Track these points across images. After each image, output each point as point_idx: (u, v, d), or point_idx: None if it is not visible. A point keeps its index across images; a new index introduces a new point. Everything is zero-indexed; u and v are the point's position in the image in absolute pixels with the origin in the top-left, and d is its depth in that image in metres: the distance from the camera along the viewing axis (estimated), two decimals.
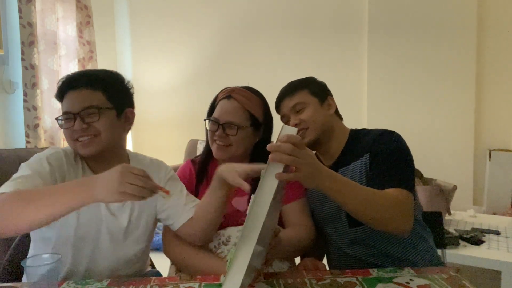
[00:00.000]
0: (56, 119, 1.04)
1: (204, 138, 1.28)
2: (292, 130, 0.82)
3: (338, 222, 1.15)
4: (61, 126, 1.04)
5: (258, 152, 1.25)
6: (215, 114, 1.20)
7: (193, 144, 3.79)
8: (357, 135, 1.19)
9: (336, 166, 1.15)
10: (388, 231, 0.99)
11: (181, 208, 1.10)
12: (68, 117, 1.01)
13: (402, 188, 0.98)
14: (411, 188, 1.00)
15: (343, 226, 1.14)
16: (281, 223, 1.24)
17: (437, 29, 3.18)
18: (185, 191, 1.16)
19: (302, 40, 3.64)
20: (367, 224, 0.98)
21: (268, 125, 1.26)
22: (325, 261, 1.27)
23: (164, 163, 1.24)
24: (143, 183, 0.79)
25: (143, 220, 1.11)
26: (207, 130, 1.23)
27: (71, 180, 0.99)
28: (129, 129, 1.15)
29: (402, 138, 1.10)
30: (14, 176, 0.94)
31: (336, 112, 1.24)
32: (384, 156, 1.05)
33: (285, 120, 1.20)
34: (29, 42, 3.03)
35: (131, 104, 1.16)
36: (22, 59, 3.00)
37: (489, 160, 3.05)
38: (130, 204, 1.08)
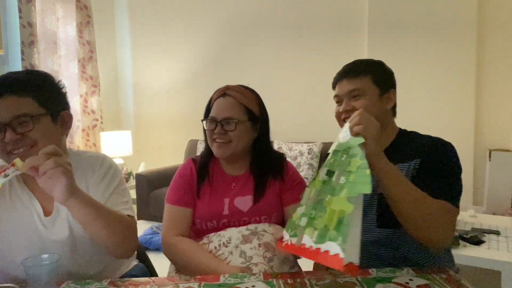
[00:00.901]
0: None
1: (203, 136, 1.28)
2: None
3: (366, 218, 1.09)
4: None
5: (258, 148, 1.26)
6: (212, 113, 1.20)
7: (193, 144, 3.80)
8: (406, 135, 1.14)
9: None
10: (425, 241, 0.95)
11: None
12: None
13: (450, 203, 0.95)
14: (458, 205, 0.98)
15: (370, 224, 1.11)
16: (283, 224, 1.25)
17: (437, 30, 3.18)
18: (111, 191, 1.06)
19: (302, 41, 3.64)
20: (406, 227, 0.94)
21: (265, 121, 1.26)
22: None
23: (106, 159, 1.12)
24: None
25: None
26: (205, 131, 1.24)
27: None
28: (67, 133, 1.05)
29: (456, 151, 1.05)
30: None
31: (393, 107, 1.16)
32: (436, 167, 1.00)
33: (337, 100, 1.16)
34: (29, 42, 3.03)
35: (66, 106, 1.05)
36: (22, 59, 3.01)
37: (489, 160, 3.05)
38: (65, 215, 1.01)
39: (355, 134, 0.87)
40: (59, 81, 1.05)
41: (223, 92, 1.21)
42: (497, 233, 1.93)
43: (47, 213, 1.01)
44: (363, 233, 1.01)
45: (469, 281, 0.88)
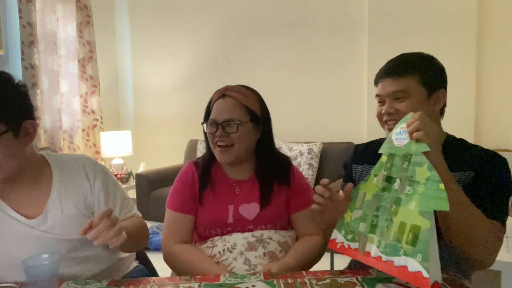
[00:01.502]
0: None
1: (204, 139, 1.26)
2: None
3: None
4: None
5: (262, 150, 1.22)
6: (212, 115, 1.16)
7: (193, 144, 3.80)
8: (456, 142, 1.07)
9: None
10: (471, 260, 0.91)
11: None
12: None
13: (501, 224, 0.92)
14: (504, 222, 0.94)
15: None
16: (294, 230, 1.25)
17: (437, 29, 3.18)
18: (119, 199, 1.10)
19: (302, 41, 3.63)
20: (455, 243, 0.90)
21: (267, 120, 1.22)
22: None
23: (91, 165, 1.07)
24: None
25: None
26: (206, 134, 1.19)
27: None
28: (31, 141, 0.96)
29: (509, 168, 0.98)
30: None
31: (442, 108, 1.08)
32: (492, 184, 0.94)
33: (379, 99, 1.07)
34: (29, 42, 3.03)
35: (28, 114, 0.94)
36: (22, 59, 3.01)
37: None
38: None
39: (415, 139, 0.83)
40: (19, 81, 0.93)
41: (223, 93, 1.16)
42: None
43: (29, 217, 0.97)
44: None
45: (469, 281, 0.88)
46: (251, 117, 1.16)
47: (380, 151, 0.93)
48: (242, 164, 1.22)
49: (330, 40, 3.54)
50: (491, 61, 3.16)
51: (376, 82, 1.08)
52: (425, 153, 0.82)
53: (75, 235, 0.93)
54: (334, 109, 3.47)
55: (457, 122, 3.26)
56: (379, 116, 1.07)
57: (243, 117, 1.14)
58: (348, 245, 0.92)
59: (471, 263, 0.93)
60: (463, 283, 0.87)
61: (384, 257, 0.82)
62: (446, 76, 1.08)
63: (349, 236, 0.93)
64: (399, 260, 0.79)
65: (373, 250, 0.86)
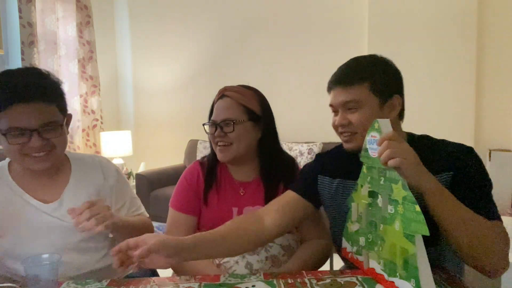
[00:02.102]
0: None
1: (204, 139, 1.27)
2: (385, 123, 0.83)
3: None
4: (7, 140, 0.93)
5: (265, 150, 1.21)
6: (213, 116, 1.18)
7: (193, 144, 3.79)
8: (419, 141, 1.00)
9: None
10: (478, 266, 0.85)
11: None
12: (21, 132, 0.93)
13: (498, 220, 0.86)
14: (499, 217, 0.88)
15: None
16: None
17: (437, 29, 3.18)
18: (128, 198, 1.20)
19: (302, 40, 3.63)
20: (460, 253, 0.84)
21: (268, 118, 1.22)
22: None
23: (106, 164, 1.17)
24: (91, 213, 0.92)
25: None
26: (208, 135, 1.21)
27: None
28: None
29: (478, 156, 0.94)
30: None
31: (400, 112, 0.99)
32: (476, 182, 0.89)
33: (333, 110, 1.02)
34: (29, 42, 3.03)
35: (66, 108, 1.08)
36: (22, 59, 3.00)
37: (489, 160, 3.05)
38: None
39: (388, 166, 0.77)
40: (60, 80, 1.06)
41: (222, 94, 1.18)
42: None
43: (46, 202, 1.04)
44: None
45: (469, 281, 0.88)
46: (249, 116, 1.16)
47: (361, 159, 0.90)
48: (246, 165, 1.22)
49: (330, 40, 3.54)
50: (491, 61, 3.16)
51: (328, 90, 1.02)
52: (404, 178, 0.77)
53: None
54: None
55: (457, 122, 3.26)
56: (334, 127, 1.02)
57: (240, 116, 1.15)
58: (357, 257, 0.94)
59: (482, 272, 0.86)
60: (463, 283, 0.87)
61: (386, 276, 0.83)
62: (401, 80, 1.00)
63: (354, 249, 0.94)
64: (398, 282, 0.79)
65: (376, 266, 0.86)
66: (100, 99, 3.86)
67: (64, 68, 3.52)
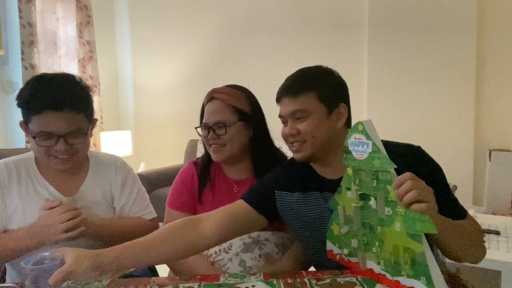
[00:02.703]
0: (33, 136, 1.02)
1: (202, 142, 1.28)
2: (369, 124, 0.82)
3: None
4: (35, 142, 1.02)
5: (257, 148, 1.23)
6: (204, 119, 1.20)
7: (193, 144, 3.79)
8: None
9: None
10: (462, 261, 0.90)
11: (125, 215, 1.21)
12: (49, 136, 1.02)
13: (469, 215, 0.91)
14: (466, 211, 0.93)
15: None
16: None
17: (437, 29, 3.18)
18: (134, 197, 1.23)
19: (302, 40, 3.64)
20: (448, 255, 0.89)
21: (259, 117, 1.23)
22: None
23: (121, 163, 1.25)
24: (71, 215, 0.99)
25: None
26: (201, 137, 1.24)
27: (20, 230, 1.03)
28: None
29: (428, 154, 0.97)
30: None
31: (347, 120, 1.02)
32: (437, 184, 0.88)
33: (282, 121, 1.05)
34: (29, 42, 3.03)
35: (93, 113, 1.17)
36: (22, 59, 3.00)
37: (489, 160, 3.05)
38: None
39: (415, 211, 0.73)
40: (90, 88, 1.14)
41: (210, 96, 1.20)
42: (497, 233, 1.93)
43: (65, 195, 1.12)
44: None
45: (469, 281, 0.88)
46: (240, 116, 1.18)
47: (344, 162, 0.89)
48: (239, 163, 1.24)
49: (330, 40, 3.54)
50: (491, 61, 3.16)
51: (277, 101, 1.04)
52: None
53: (95, 216, 1.13)
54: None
55: (457, 122, 3.26)
56: (284, 137, 1.04)
57: (231, 118, 1.17)
58: (348, 260, 0.93)
59: (466, 261, 0.91)
60: (463, 283, 0.87)
61: (389, 276, 0.82)
62: (346, 89, 1.03)
63: (346, 251, 0.92)
64: (404, 281, 0.78)
65: (375, 267, 0.86)
66: (100, 99, 3.86)
67: (64, 68, 3.52)
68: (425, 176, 0.81)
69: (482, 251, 0.89)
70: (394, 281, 0.80)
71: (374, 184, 0.81)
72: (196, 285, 0.89)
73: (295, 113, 0.98)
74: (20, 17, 2.97)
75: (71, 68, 3.55)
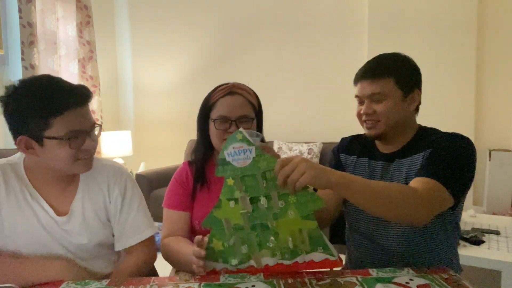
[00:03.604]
0: None
1: (199, 137, 1.27)
2: (251, 133, 0.90)
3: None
4: (69, 145, 0.94)
5: None
6: (222, 112, 1.15)
7: (193, 144, 3.77)
8: (425, 132, 1.11)
9: (393, 156, 1.10)
10: (402, 222, 0.99)
11: (124, 234, 1.09)
12: (77, 135, 0.94)
13: (435, 180, 0.93)
14: (448, 185, 0.94)
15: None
16: None
17: (437, 30, 3.18)
18: (134, 212, 1.11)
19: (302, 41, 3.64)
20: (381, 217, 0.97)
21: (261, 117, 1.27)
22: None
23: (117, 172, 1.11)
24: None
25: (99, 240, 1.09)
26: (203, 130, 1.21)
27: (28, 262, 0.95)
28: None
29: (469, 146, 1.01)
30: None
31: (417, 106, 1.12)
32: (441, 152, 0.99)
33: (358, 101, 1.11)
34: (29, 42, 3.03)
35: None
36: (22, 59, 3.00)
37: (489, 160, 3.05)
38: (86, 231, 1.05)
39: (299, 187, 0.80)
40: None
41: (230, 91, 1.17)
42: (497, 233, 1.93)
43: (58, 213, 1.02)
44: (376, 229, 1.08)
45: (469, 281, 0.88)
46: (255, 113, 1.20)
47: (217, 174, 0.91)
48: None
49: (330, 40, 3.54)
50: (491, 61, 3.16)
51: (355, 82, 1.11)
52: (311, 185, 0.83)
53: (88, 241, 1.04)
54: (334, 109, 3.47)
55: (457, 122, 3.26)
56: (359, 115, 1.12)
57: (251, 114, 1.18)
58: (237, 269, 0.94)
59: (403, 223, 1.00)
60: (463, 283, 0.87)
61: (287, 262, 0.91)
62: (420, 76, 1.12)
63: (235, 261, 0.93)
64: (303, 258, 0.90)
65: (271, 261, 0.92)
66: (100, 99, 3.86)
67: (64, 68, 3.52)
68: (439, 149, 0.99)
69: (415, 212, 0.89)
70: (293, 263, 0.91)
71: (264, 184, 0.88)
72: (196, 285, 0.89)
73: (373, 95, 1.05)
74: (20, 17, 2.97)
75: (71, 68, 3.55)
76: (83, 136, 0.96)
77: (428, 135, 1.08)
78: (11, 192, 0.99)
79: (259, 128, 1.25)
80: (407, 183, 1.00)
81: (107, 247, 1.10)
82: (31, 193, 1.01)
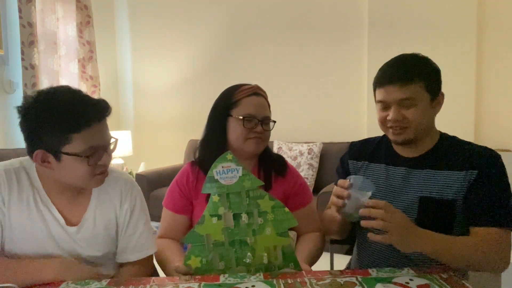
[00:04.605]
0: None
1: (214, 133, 1.26)
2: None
3: None
4: (87, 162, 0.92)
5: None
6: (249, 110, 1.16)
7: (193, 144, 3.80)
8: (448, 140, 1.09)
9: (416, 162, 1.07)
10: (480, 270, 0.98)
11: (128, 250, 1.08)
12: (95, 150, 0.93)
13: (498, 228, 0.95)
14: (510, 222, 0.96)
15: None
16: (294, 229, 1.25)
17: (437, 29, 3.18)
18: (140, 229, 1.09)
19: (302, 41, 3.63)
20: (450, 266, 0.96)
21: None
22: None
23: (128, 187, 1.09)
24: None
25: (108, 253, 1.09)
26: (218, 127, 1.19)
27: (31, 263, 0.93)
28: None
29: (503, 164, 1.01)
30: None
31: None
32: (496, 186, 0.97)
33: (383, 106, 1.04)
34: (29, 42, 3.03)
35: None
36: (22, 59, 3.01)
37: None
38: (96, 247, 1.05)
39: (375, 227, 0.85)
40: None
41: (255, 92, 1.19)
42: None
43: (69, 223, 1.01)
44: None
45: (469, 281, 0.88)
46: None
47: (204, 191, 0.97)
48: (244, 161, 1.23)
49: (330, 40, 3.54)
50: (491, 61, 3.16)
51: (378, 86, 1.04)
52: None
53: (95, 252, 1.04)
54: (334, 109, 3.47)
55: (457, 122, 3.26)
56: (383, 121, 1.06)
57: (271, 116, 1.24)
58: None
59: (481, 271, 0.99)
60: (463, 283, 0.87)
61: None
62: (441, 77, 1.08)
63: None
64: (275, 274, 0.94)
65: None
66: None
67: (64, 68, 3.52)
68: (487, 175, 0.97)
69: (499, 263, 0.94)
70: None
71: (247, 202, 0.95)
72: (196, 285, 0.89)
73: (402, 101, 1.00)
74: (20, 17, 2.97)
75: (71, 68, 3.55)
76: (101, 152, 0.94)
77: (454, 145, 1.06)
78: (23, 197, 0.97)
79: None
80: (431, 194, 1.03)
81: (112, 254, 1.10)
82: (44, 200, 0.99)
